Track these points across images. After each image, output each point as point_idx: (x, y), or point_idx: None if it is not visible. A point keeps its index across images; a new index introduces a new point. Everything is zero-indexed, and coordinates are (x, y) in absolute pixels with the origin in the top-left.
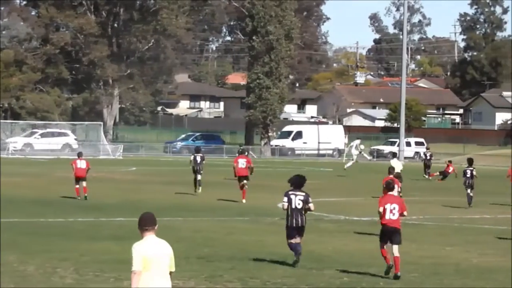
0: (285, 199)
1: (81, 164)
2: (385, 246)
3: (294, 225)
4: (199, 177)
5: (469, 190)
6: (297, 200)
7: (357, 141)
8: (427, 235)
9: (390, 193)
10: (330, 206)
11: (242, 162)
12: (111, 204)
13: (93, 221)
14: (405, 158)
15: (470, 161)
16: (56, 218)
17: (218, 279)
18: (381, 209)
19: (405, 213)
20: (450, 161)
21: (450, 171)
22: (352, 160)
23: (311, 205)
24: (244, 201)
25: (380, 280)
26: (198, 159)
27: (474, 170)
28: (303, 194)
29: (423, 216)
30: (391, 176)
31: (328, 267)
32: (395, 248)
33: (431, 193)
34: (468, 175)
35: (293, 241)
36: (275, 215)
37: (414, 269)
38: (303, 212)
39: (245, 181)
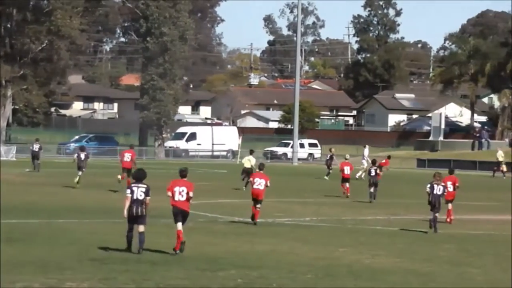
0: (128, 191)
1: None
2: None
3: (135, 214)
4: (80, 173)
5: (372, 189)
6: (139, 192)
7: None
8: (321, 236)
9: (185, 179)
10: (224, 207)
11: (127, 156)
12: (4, 206)
13: None
14: (298, 159)
15: (374, 161)
16: None
17: (112, 281)
18: (169, 193)
19: (190, 193)
20: (389, 156)
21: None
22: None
23: (148, 198)
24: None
25: (273, 281)
26: (82, 156)
27: (378, 169)
28: (145, 186)
29: (317, 218)
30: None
31: (222, 269)
32: (180, 225)
33: (325, 194)
34: (373, 174)
35: (137, 228)
36: (168, 217)
37: (308, 270)
38: (144, 203)
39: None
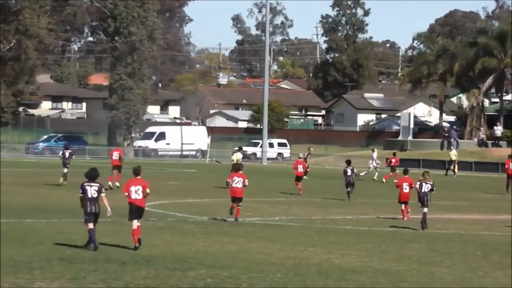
0: (81, 190)
1: None
2: (136, 222)
3: (93, 211)
4: (65, 170)
5: (349, 188)
6: (92, 191)
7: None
8: (290, 236)
9: (138, 177)
10: (194, 207)
11: (115, 154)
12: None
13: None
14: (268, 159)
15: (349, 162)
16: None
17: (82, 281)
18: (125, 193)
19: (147, 190)
20: (394, 153)
21: (393, 163)
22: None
23: (102, 195)
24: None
25: (243, 281)
26: (67, 154)
27: (355, 168)
28: (97, 185)
29: (286, 217)
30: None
31: (191, 268)
32: (136, 222)
33: (295, 194)
34: (349, 174)
35: (90, 226)
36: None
37: (277, 270)
38: (98, 201)
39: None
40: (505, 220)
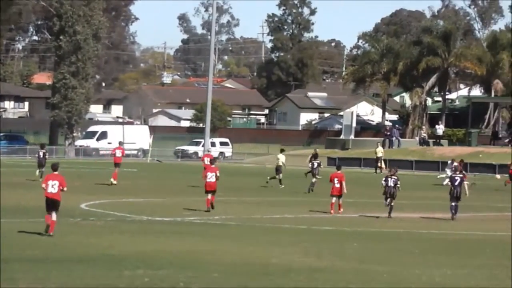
0: (43, 185)
1: None
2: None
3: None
4: (42, 169)
5: (314, 179)
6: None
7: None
8: (229, 235)
9: (55, 172)
10: (133, 206)
11: (118, 152)
12: None
13: None
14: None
15: (316, 155)
16: None
17: (16, 282)
18: (43, 185)
19: (65, 188)
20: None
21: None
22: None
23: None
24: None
25: (180, 280)
26: (41, 154)
27: (320, 162)
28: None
29: (225, 216)
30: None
31: (128, 268)
32: (54, 214)
33: (235, 193)
34: (315, 166)
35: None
36: (76, 216)
37: (214, 269)
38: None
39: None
40: (442, 218)
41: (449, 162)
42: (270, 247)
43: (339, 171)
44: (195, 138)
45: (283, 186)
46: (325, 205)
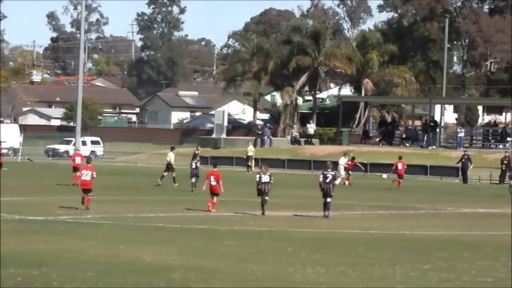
0: None
1: None
2: None
3: None
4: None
5: (193, 179)
6: None
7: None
8: (102, 234)
9: None
10: (5, 205)
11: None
12: None
13: None
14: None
15: (195, 156)
16: None
17: None
18: None
19: None
20: (353, 158)
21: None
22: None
23: None
24: None
25: (54, 279)
26: None
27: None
28: None
29: (98, 215)
30: None
31: (1, 268)
32: None
33: (108, 192)
34: (194, 167)
35: None
36: None
37: (88, 268)
38: None
39: None
40: (316, 216)
41: (342, 158)
42: (143, 246)
43: (215, 169)
44: (66, 137)
45: (177, 184)
46: (203, 204)
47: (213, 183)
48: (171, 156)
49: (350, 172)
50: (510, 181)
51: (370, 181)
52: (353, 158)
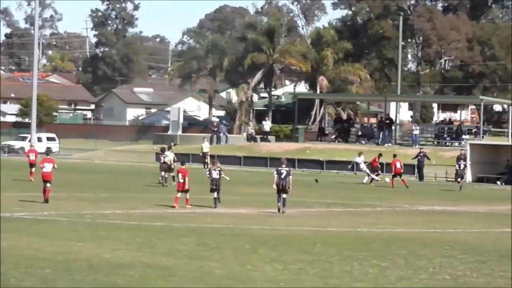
0: None
1: None
2: None
3: None
4: None
5: (163, 173)
6: None
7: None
8: (60, 231)
9: None
10: None
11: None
12: None
13: None
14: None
15: (163, 149)
16: None
17: None
18: None
19: None
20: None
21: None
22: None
23: None
24: None
25: (12, 277)
26: None
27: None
28: None
29: (56, 212)
30: None
31: None
32: None
33: (64, 188)
34: (162, 160)
35: None
36: None
37: (46, 265)
38: None
39: None
40: (273, 214)
41: (357, 158)
42: (102, 243)
43: (183, 166)
44: (21, 133)
45: (173, 183)
46: (166, 200)
47: (181, 180)
48: (170, 156)
49: (379, 171)
50: (458, 178)
51: (327, 179)
52: (379, 155)
